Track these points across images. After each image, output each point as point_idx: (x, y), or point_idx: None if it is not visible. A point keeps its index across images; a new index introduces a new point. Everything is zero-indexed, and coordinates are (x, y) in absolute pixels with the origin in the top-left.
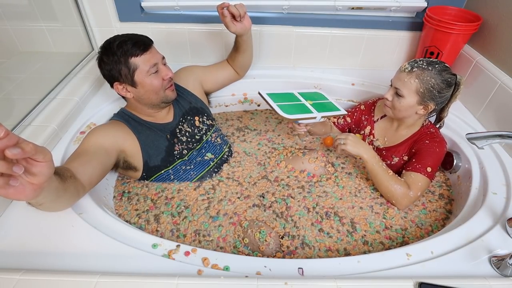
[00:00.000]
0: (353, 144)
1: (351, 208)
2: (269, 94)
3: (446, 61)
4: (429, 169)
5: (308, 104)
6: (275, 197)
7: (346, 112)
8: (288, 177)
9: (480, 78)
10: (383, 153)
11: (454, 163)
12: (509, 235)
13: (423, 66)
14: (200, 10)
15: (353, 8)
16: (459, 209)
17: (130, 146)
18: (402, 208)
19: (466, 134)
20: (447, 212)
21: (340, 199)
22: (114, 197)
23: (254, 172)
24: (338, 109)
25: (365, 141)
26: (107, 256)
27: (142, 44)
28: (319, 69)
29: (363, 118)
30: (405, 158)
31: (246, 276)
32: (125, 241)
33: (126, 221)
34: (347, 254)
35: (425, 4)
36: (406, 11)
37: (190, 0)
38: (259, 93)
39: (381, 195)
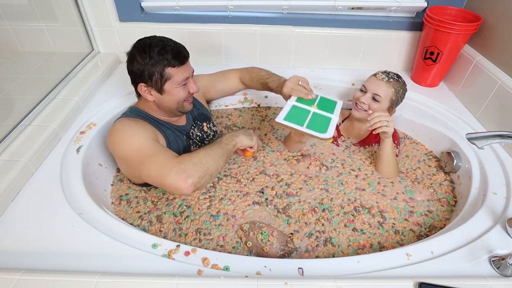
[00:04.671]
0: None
1: (375, 194)
2: (286, 119)
3: (446, 61)
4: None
5: (321, 111)
6: (275, 191)
7: None
8: (291, 175)
9: (480, 78)
10: (358, 146)
11: (454, 163)
12: (509, 235)
13: (395, 78)
14: (200, 10)
15: (353, 8)
16: (459, 209)
17: (161, 142)
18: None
19: (466, 134)
20: (454, 197)
21: (363, 190)
22: (112, 203)
23: (251, 167)
24: (334, 102)
25: (337, 141)
26: (107, 256)
27: (182, 57)
28: (319, 69)
29: None
30: (377, 144)
31: (246, 276)
32: (125, 241)
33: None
34: (382, 247)
35: (425, 4)
36: (406, 11)
37: (190, 0)
38: (277, 122)
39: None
